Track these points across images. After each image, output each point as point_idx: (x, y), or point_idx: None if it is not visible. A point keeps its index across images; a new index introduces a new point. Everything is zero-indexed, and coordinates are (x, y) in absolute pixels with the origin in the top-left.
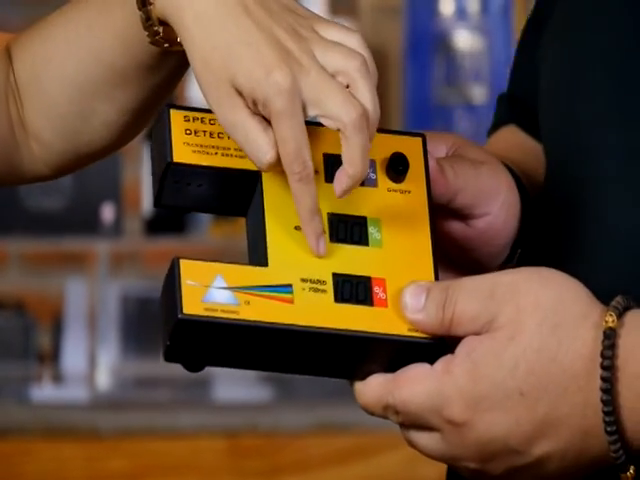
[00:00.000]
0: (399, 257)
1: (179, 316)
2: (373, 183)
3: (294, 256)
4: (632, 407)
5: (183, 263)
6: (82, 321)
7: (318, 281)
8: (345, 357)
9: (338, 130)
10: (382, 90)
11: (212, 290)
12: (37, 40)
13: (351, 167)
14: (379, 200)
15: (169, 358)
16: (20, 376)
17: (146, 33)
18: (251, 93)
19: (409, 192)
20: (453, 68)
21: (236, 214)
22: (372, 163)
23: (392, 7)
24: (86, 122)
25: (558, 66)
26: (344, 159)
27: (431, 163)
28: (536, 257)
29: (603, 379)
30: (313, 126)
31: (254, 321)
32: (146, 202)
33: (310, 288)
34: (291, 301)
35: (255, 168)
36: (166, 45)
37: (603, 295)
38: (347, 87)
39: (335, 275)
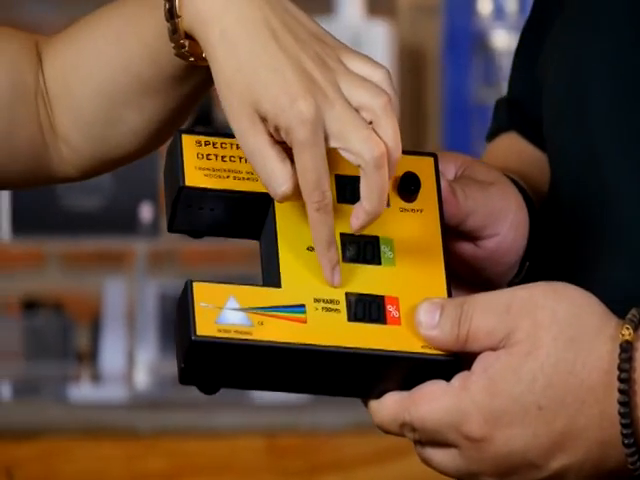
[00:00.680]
0: (412, 275)
1: (193, 338)
2: (385, 203)
3: (307, 276)
4: None
5: (196, 286)
6: (120, 320)
7: (331, 301)
8: (359, 376)
9: (358, 166)
10: (420, 90)
11: (225, 311)
12: (67, 46)
13: (368, 204)
14: (391, 219)
15: (184, 381)
16: (59, 376)
17: (172, 45)
18: (274, 120)
19: (421, 211)
20: (491, 67)
21: (250, 237)
22: None
23: (430, 7)
24: (114, 129)
25: (562, 72)
26: (362, 195)
27: (443, 184)
28: (545, 269)
29: (620, 392)
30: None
31: (267, 341)
32: None
33: (323, 308)
34: (304, 321)
35: (267, 190)
36: (191, 59)
37: (614, 305)
38: (370, 123)
39: (348, 294)
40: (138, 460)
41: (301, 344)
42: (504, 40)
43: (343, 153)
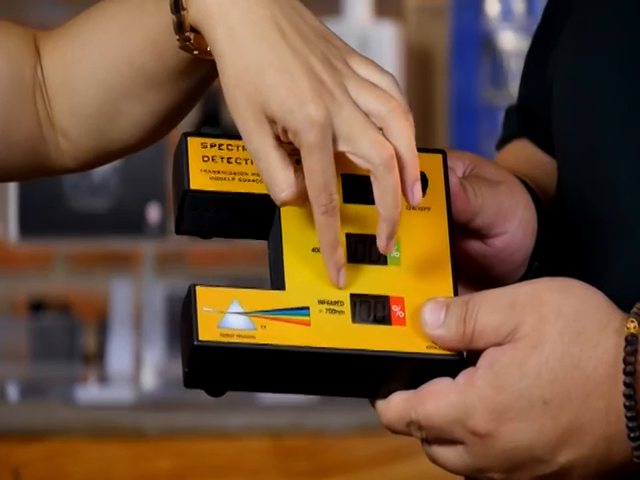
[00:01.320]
0: (418, 275)
1: (195, 343)
2: (400, 206)
3: (311, 278)
4: None
5: (199, 290)
6: (127, 321)
7: (335, 302)
8: (363, 377)
9: (368, 170)
10: (427, 91)
11: (228, 315)
12: (67, 39)
13: (383, 209)
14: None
15: (189, 384)
16: (65, 376)
17: (177, 37)
18: (282, 122)
19: (428, 209)
20: (498, 69)
21: (259, 237)
22: None
23: (437, 8)
24: (115, 122)
25: (571, 73)
26: (376, 201)
27: (453, 179)
28: (553, 269)
29: (626, 385)
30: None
31: (269, 345)
32: None
33: (327, 309)
34: (308, 323)
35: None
36: (196, 52)
37: (622, 303)
38: (380, 130)
39: (353, 296)
40: (145, 461)
41: (303, 347)
42: (512, 41)
43: (352, 157)
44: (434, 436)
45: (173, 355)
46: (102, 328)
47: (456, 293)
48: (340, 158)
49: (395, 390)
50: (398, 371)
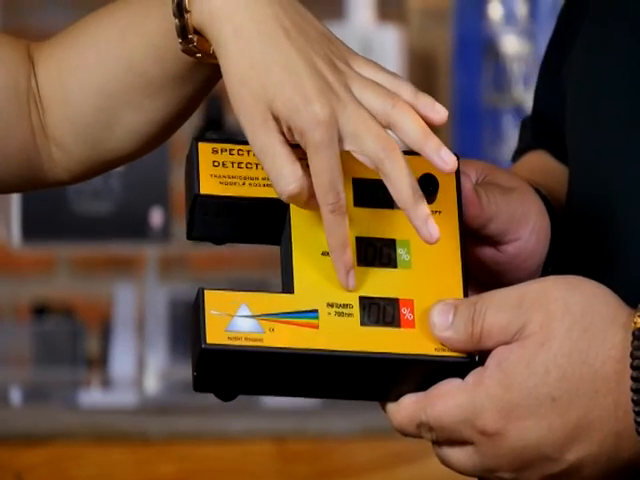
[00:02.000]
0: (428, 278)
1: (202, 346)
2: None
3: (320, 281)
4: None
5: (207, 293)
6: (131, 326)
7: (344, 305)
8: (371, 379)
9: (376, 169)
10: (430, 95)
11: (236, 319)
12: (64, 48)
13: (403, 203)
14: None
15: (198, 388)
16: (69, 381)
17: (179, 41)
18: (287, 120)
19: (440, 212)
20: (501, 72)
21: (270, 242)
22: None
23: (440, 12)
24: (111, 131)
25: (583, 79)
26: (395, 198)
27: (467, 184)
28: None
29: (633, 379)
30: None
31: (277, 348)
32: None
33: (336, 312)
34: (316, 326)
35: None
36: (198, 55)
37: (633, 304)
38: (387, 127)
39: (362, 298)
40: (148, 465)
41: (310, 350)
42: (514, 45)
43: (357, 156)
44: (444, 437)
45: (176, 359)
46: (105, 332)
47: (466, 296)
48: (349, 162)
49: (405, 392)
50: (407, 374)
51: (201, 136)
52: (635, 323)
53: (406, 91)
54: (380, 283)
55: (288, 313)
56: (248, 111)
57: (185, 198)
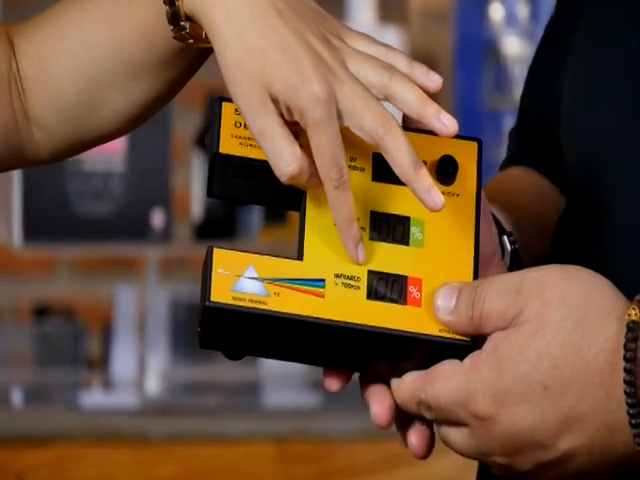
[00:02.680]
0: (439, 258)
1: (206, 304)
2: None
3: (330, 252)
4: None
5: (216, 252)
6: (132, 327)
7: (352, 277)
8: (372, 353)
9: (374, 143)
10: (431, 96)
11: (242, 280)
12: (45, 31)
13: (404, 175)
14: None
15: (203, 344)
16: (70, 382)
17: (171, 28)
18: (286, 101)
19: (457, 195)
20: (503, 74)
21: (289, 208)
22: None
23: (442, 13)
24: (94, 111)
25: (578, 82)
26: (397, 173)
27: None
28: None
29: (626, 371)
30: None
31: (280, 312)
32: (196, 208)
33: (343, 284)
34: (322, 295)
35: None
36: (190, 41)
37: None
38: (385, 99)
39: (371, 272)
40: (149, 466)
41: (312, 317)
42: (516, 46)
43: (357, 132)
44: (442, 417)
45: (177, 360)
46: (106, 333)
47: (476, 279)
48: None
49: (409, 370)
50: (409, 351)
51: (225, 97)
52: (629, 315)
53: (401, 61)
54: (390, 259)
55: (295, 279)
56: (246, 94)
57: (207, 156)
